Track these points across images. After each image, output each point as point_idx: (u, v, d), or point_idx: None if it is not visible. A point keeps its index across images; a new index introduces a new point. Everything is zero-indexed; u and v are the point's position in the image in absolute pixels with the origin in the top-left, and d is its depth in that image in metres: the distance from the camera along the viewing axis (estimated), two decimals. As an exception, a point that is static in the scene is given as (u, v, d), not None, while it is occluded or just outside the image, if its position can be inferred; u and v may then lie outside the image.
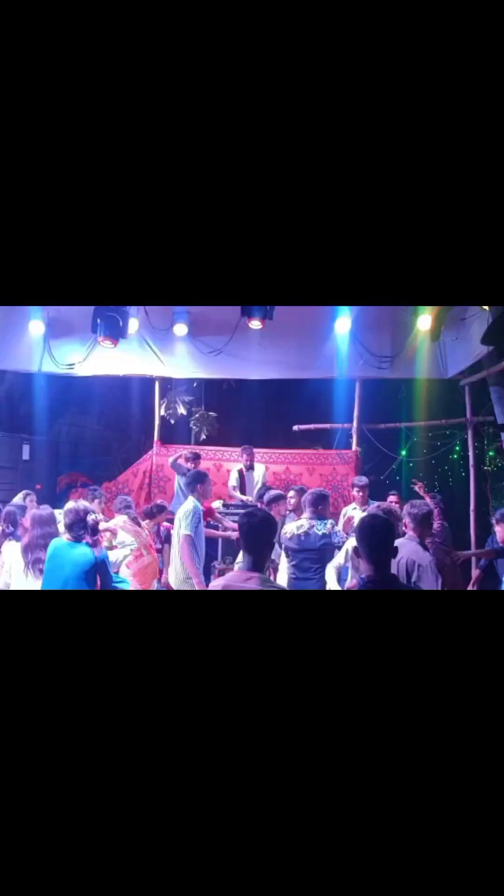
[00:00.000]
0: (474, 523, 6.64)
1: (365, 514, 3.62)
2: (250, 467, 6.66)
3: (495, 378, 6.24)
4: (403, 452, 8.09)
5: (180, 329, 6.58)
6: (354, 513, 5.13)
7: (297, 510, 4.68)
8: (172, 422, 7.86)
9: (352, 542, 3.68)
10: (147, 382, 7.59)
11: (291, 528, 4.09)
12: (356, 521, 3.22)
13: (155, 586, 4.97)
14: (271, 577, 2.73)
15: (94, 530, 3.31)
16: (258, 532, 2.33)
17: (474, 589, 5.22)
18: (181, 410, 7.89)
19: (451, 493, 7.69)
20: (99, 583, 3.32)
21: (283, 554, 4.19)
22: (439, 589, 3.12)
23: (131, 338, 6.18)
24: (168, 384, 7.81)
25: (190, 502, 4.53)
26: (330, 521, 4.10)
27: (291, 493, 4.95)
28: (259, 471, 6.70)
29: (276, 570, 4.34)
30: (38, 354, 6.78)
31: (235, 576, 2.40)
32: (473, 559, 5.55)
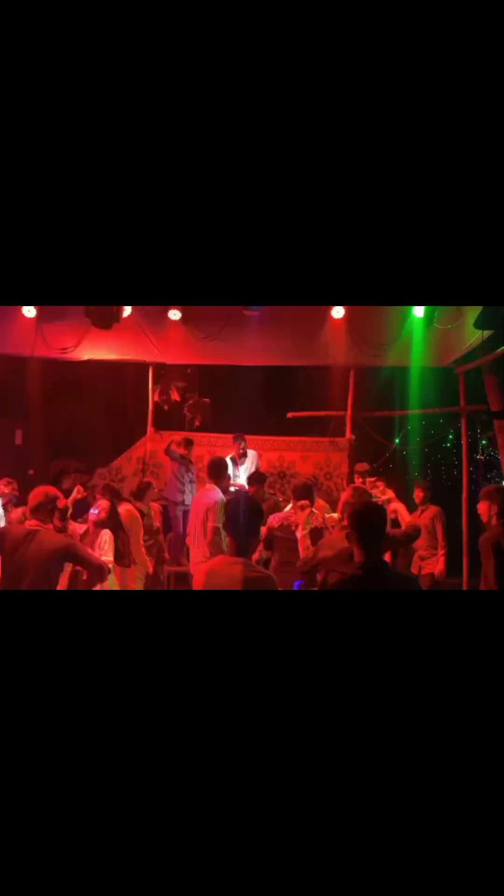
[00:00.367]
0: (465, 512, 6.72)
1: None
2: (243, 454, 6.69)
3: (490, 366, 6.29)
4: (397, 440, 8.14)
5: (175, 314, 6.61)
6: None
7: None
8: (166, 408, 7.85)
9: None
10: (141, 368, 7.57)
11: (280, 517, 4.12)
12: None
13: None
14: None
15: (63, 515, 3.26)
16: (244, 518, 2.34)
17: None
18: (175, 397, 7.89)
19: (443, 481, 7.75)
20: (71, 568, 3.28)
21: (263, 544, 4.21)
22: None
23: (125, 322, 6.20)
24: (162, 370, 7.79)
25: (215, 492, 4.38)
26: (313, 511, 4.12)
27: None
28: (250, 456, 6.76)
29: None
30: (30, 338, 6.73)
31: (220, 560, 2.44)
32: None
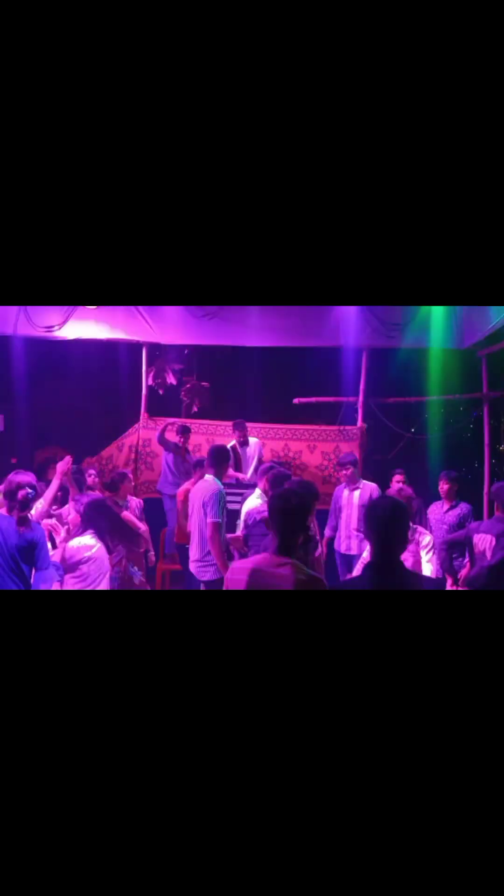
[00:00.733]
0: (487, 506, 6.37)
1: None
2: (244, 443, 6.46)
3: (517, 349, 5.94)
4: (413, 429, 7.81)
5: (171, 289, 6.20)
6: None
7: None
8: (161, 392, 7.59)
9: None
10: (134, 348, 7.30)
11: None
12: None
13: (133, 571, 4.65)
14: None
15: (24, 506, 3.20)
16: (293, 516, 2.35)
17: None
18: (171, 380, 7.55)
19: (463, 473, 7.38)
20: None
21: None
22: None
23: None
24: (157, 351, 7.51)
25: (213, 483, 4.21)
26: None
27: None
28: (253, 445, 6.45)
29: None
30: (13, 315, 6.40)
31: (265, 559, 2.38)
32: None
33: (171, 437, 6.49)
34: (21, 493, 3.19)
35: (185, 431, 6.51)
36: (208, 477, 4.28)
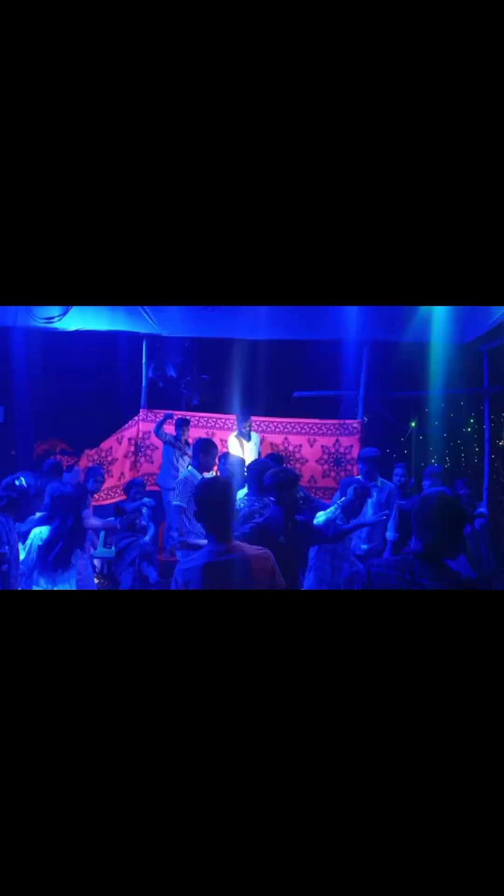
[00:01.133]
0: (487, 503, 6.40)
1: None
2: (247, 436, 6.41)
3: (518, 344, 5.95)
4: (413, 424, 7.81)
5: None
6: None
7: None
8: (161, 385, 7.54)
9: None
10: (134, 341, 7.27)
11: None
12: None
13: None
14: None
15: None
16: (219, 503, 2.34)
17: None
18: (171, 372, 7.53)
19: (464, 468, 7.41)
20: None
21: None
22: None
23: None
24: (157, 343, 7.46)
25: (186, 472, 4.36)
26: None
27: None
28: (254, 440, 6.42)
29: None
30: (13, 307, 6.37)
31: (210, 552, 2.34)
32: None
33: (169, 430, 6.49)
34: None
35: (184, 424, 6.50)
36: (189, 467, 4.47)
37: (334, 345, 6.97)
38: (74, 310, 6.40)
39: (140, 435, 6.90)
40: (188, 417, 6.71)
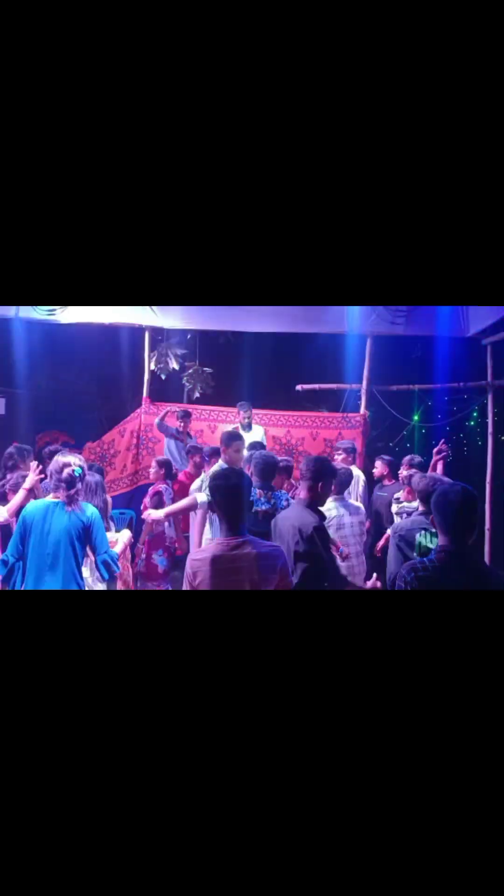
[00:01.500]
0: (490, 495, 6.42)
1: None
2: (248, 426, 6.34)
3: (523, 338, 5.95)
4: (416, 417, 7.81)
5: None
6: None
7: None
8: (163, 377, 7.54)
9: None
10: (136, 333, 7.27)
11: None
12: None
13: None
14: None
15: (71, 484, 3.12)
16: (235, 494, 2.35)
17: None
18: (173, 365, 7.55)
19: (467, 462, 7.42)
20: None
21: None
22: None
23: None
24: (159, 335, 7.47)
25: (216, 466, 4.31)
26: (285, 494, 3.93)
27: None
28: (257, 433, 6.42)
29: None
30: None
31: (220, 544, 2.35)
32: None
33: (172, 422, 6.50)
34: (67, 472, 3.12)
35: (185, 416, 6.50)
36: (219, 461, 4.40)
37: (337, 338, 6.98)
38: (76, 302, 6.38)
39: (142, 427, 6.92)
40: (189, 410, 6.73)
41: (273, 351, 8.00)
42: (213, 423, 6.94)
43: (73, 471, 3.12)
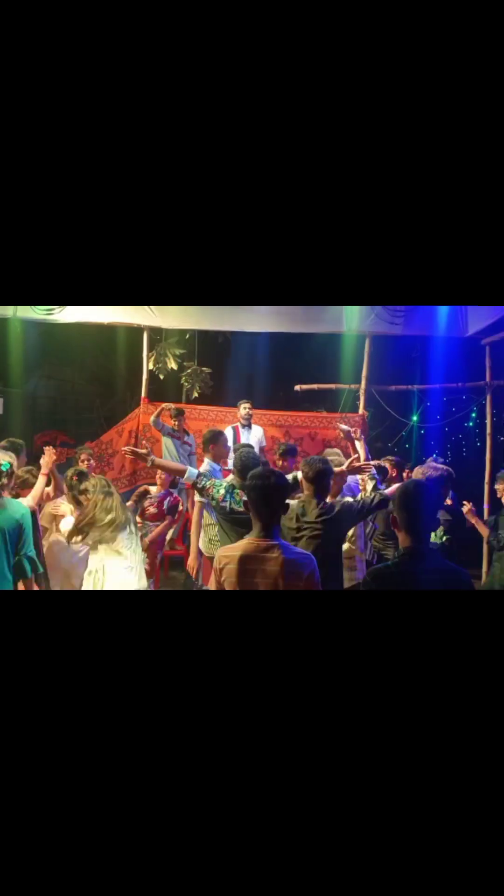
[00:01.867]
0: (488, 497, 6.43)
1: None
2: (247, 425, 6.35)
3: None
4: (415, 417, 7.82)
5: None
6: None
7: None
8: (161, 377, 7.57)
9: None
10: (134, 333, 7.30)
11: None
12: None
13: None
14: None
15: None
16: (272, 495, 2.31)
17: None
18: (172, 365, 7.57)
19: (465, 463, 7.44)
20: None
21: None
22: None
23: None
24: (158, 335, 7.49)
25: (205, 465, 4.32)
26: None
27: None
28: (257, 433, 6.43)
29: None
30: None
31: (251, 544, 2.32)
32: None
33: (167, 420, 6.50)
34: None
35: (179, 414, 6.46)
36: (205, 460, 4.41)
37: (336, 338, 7.00)
38: (75, 301, 6.39)
39: (140, 427, 6.92)
40: (182, 408, 6.70)
41: (272, 351, 8.01)
42: (213, 422, 6.94)
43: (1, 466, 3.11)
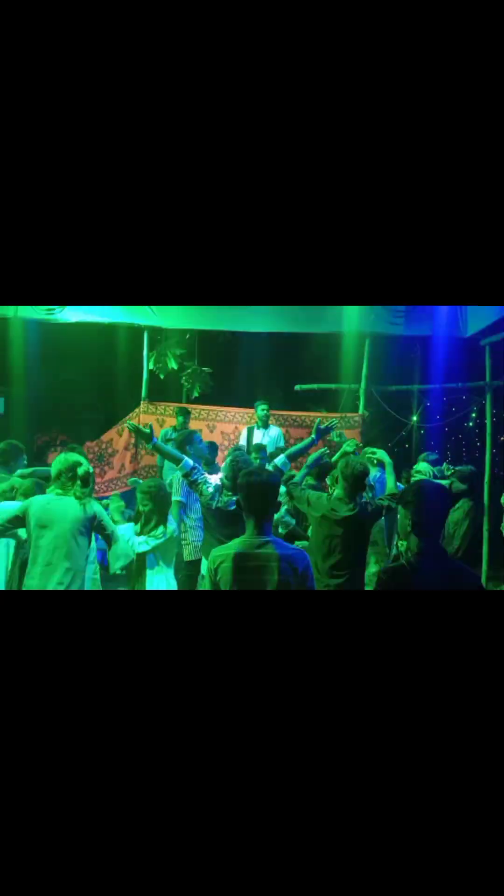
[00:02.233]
0: (487, 497, 6.43)
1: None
2: (265, 426, 6.34)
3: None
4: (415, 418, 7.81)
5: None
6: None
7: None
8: (162, 377, 7.54)
9: None
10: (135, 333, 7.27)
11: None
12: None
13: None
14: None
15: (86, 482, 3.20)
16: (264, 493, 2.34)
17: None
18: (172, 365, 7.55)
19: (465, 463, 7.42)
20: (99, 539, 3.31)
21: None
22: None
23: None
24: (158, 335, 7.47)
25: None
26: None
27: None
28: (273, 434, 6.41)
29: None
30: None
31: (244, 542, 2.34)
32: None
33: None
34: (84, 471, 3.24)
35: (185, 414, 6.48)
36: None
37: (336, 338, 6.98)
38: (75, 301, 6.39)
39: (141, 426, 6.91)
40: (188, 408, 6.72)
41: (272, 351, 8.01)
42: (213, 422, 6.95)
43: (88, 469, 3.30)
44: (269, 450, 5.96)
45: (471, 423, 8.07)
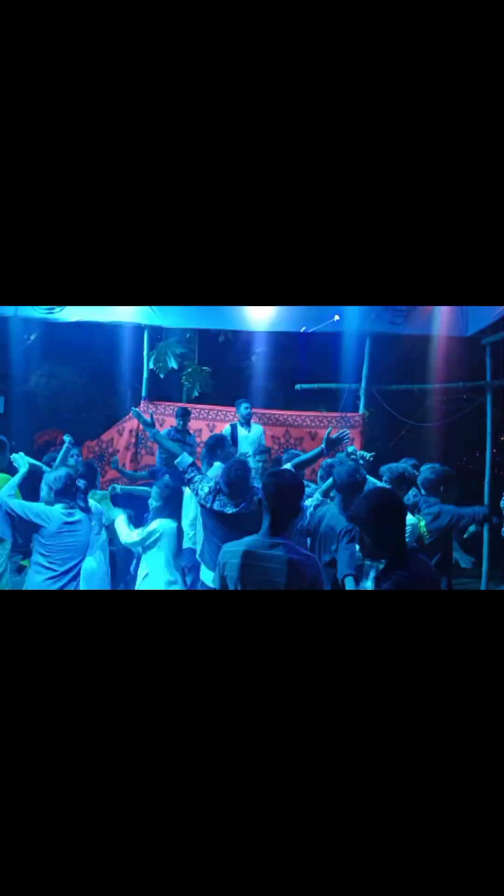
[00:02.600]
0: (488, 499, 6.43)
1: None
2: (246, 424, 6.35)
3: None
4: (415, 418, 7.77)
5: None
6: None
7: None
8: (162, 376, 7.54)
9: None
10: (135, 332, 7.28)
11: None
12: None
13: None
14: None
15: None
16: (287, 494, 2.36)
17: None
18: (172, 364, 7.55)
19: (463, 463, 7.43)
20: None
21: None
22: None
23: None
24: (158, 334, 7.47)
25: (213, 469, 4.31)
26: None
27: None
28: (255, 432, 6.41)
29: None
30: None
31: (256, 540, 2.35)
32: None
33: (170, 421, 6.46)
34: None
35: (185, 414, 6.52)
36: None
37: (336, 337, 6.96)
38: (75, 300, 6.40)
39: (140, 427, 6.92)
40: (189, 408, 6.72)
41: (272, 350, 8.00)
42: (213, 422, 6.94)
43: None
44: (250, 451, 5.96)
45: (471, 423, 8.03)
